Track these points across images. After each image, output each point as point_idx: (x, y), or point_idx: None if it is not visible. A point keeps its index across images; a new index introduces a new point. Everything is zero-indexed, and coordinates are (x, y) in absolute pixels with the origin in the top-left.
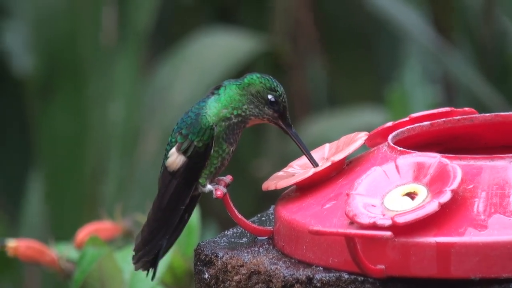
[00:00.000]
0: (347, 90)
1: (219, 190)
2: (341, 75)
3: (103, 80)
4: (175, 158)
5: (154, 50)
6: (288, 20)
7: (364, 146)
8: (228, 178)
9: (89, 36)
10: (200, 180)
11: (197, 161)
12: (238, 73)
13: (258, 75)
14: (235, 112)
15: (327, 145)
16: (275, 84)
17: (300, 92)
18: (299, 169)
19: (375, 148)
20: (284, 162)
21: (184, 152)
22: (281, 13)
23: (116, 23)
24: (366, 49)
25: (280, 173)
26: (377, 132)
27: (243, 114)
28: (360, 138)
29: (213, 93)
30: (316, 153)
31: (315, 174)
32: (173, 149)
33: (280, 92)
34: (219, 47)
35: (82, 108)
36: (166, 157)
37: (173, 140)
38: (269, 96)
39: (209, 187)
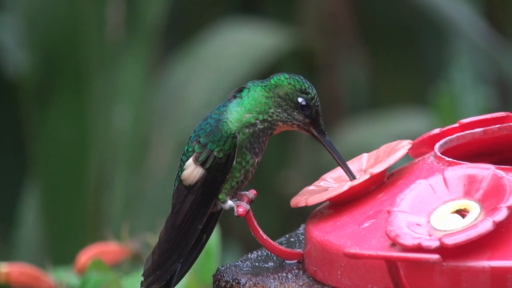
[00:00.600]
0: (388, 92)
1: (241, 207)
2: (382, 75)
3: (108, 82)
4: (192, 171)
5: (167, 48)
6: (321, 12)
7: (407, 156)
8: (251, 193)
9: (92, 31)
10: (220, 196)
11: (217, 174)
12: (263, 73)
13: (287, 75)
14: (260, 117)
15: (365, 155)
16: (306, 85)
17: (335, 95)
18: (333, 183)
19: (420, 158)
20: (316, 174)
21: (202, 164)
22: (314, 4)
23: (124, 17)
24: (410, 46)
25: (312, 187)
26: (423, 140)
27: (269, 119)
28: (403, 147)
29: (235, 96)
30: (352, 164)
31: (351, 188)
32: (190, 160)
33: (312, 94)
34: (241, 43)
35: (84, 113)
36: (181, 169)
37: (190, 149)
38: (300, 99)
39: (230, 203)
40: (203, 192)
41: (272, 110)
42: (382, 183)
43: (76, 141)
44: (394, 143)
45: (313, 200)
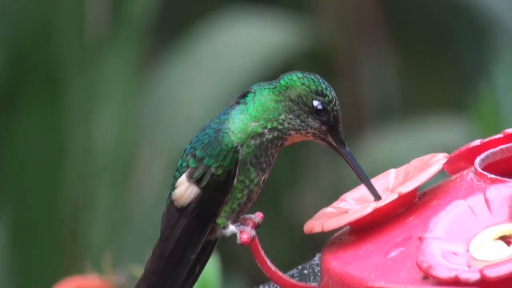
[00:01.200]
0: (420, 98)
1: (245, 233)
2: (413, 77)
3: (87, 86)
4: (185, 189)
5: (157, 45)
6: (342, 2)
7: (442, 173)
8: (257, 217)
9: (68, 25)
10: (219, 221)
11: (214, 194)
12: (271, 75)
13: (300, 74)
14: (268, 126)
15: (392, 171)
16: (323, 85)
17: (358, 101)
18: (354, 204)
19: (457, 175)
20: (333, 193)
21: (197, 182)
22: None
23: (107, 9)
24: (446, 44)
25: (329, 209)
26: (460, 154)
27: (279, 127)
28: (437, 161)
29: (238, 102)
30: (378, 182)
31: (376, 210)
32: (183, 177)
33: (330, 96)
34: (245, 39)
35: (59, 123)
36: (173, 187)
37: (183, 164)
38: (315, 102)
39: (232, 229)
40: (197, 215)
41: (282, 117)
42: (412, 204)
43: (50, 157)
44: (426, 156)
45: (330, 224)
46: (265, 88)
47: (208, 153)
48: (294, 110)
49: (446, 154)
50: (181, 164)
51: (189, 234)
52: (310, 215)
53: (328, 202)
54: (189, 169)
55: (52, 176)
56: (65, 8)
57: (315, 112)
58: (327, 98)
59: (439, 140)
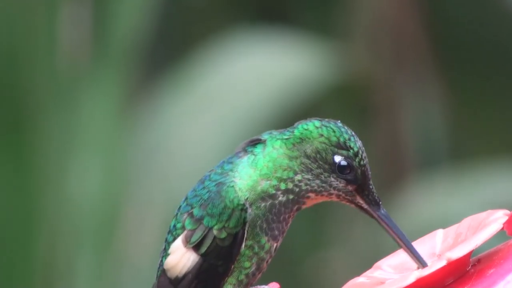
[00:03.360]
0: (474, 140)
1: None
2: (465, 115)
3: (62, 126)
4: (181, 256)
5: (149, 75)
6: (377, 24)
7: (501, 233)
8: None
9: (38, 53)
10: None
11: (217, 263)
12: (291, 116)
13: (318, 123)
14: (282, 186)
15: (440, 232)
16: (346, 135)
17: (397, 145)
18: (392, 273)
19: None
20: (367, 259)
21: (195, 247)
22: (366, 12)
23: (86, 32)
24: (506, 72)
25: (361, 279)
26: None
27: (295, 190)
28: (496, 220)
29: (245, 151)
30: (422, 246)
31: (419, 280)
32: (178, 241)
33: (356, 148)
34: (257, 67)
35: (28, 171)
36: (165, 253)
37: (178, 226)
38: (337, 158)
39: None
40: None
41: (298, 177)
42: (465, 273)
43: (16, 214)
44: (482, 214)
45: None
46: (277, 139)
47: (208, 212)
48: (312, 169)
49: (506, 211)
50: (174, 225)
51: None
52: (337, 286)
53: (360, 270)
54: (185, 232)
55: (19, 238)
56: (34, 31)
57: (337, 170)
58: (351, 151)
59: (496, 195)
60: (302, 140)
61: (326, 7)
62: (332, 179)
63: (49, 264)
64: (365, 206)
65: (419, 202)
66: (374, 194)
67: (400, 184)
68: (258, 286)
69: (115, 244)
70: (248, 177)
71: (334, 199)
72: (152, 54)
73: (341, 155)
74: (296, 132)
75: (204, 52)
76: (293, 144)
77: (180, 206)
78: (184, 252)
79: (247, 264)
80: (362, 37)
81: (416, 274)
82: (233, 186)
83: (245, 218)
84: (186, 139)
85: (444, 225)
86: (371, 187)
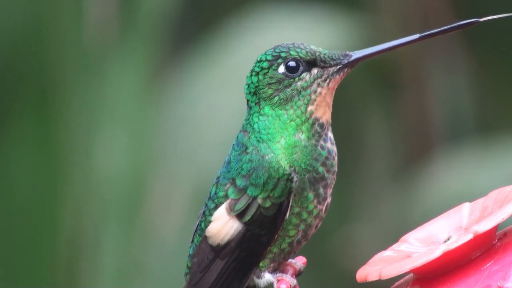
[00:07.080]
0: (499, 113)
1: (284, 282)
2: (491, 89)
3: (89, 101)
4: (224, 224)
5: (176, 49)
6: None
7: None
8: (299, 262)
9: (65, 28)
10: (261, 263)
11: (261, 232)
12: None
13: (249, 73)
14: (304, 128)
15: (466, 206)
16: (269, 52)
17: (425, 120)
18: (419, 246)
19: None
20: (393, 234)
21: (239, 215)
22: None
23: (113, 7)
24: None
25: (387, 252)
26: None
27: (303, 118)
28: None
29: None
30: (449, 219)
31: (446, 254)
32: (221, 209)
33: (286, 49)
34: (285, 41)
35: (54, 145)
36: (205, 220)
37: (219, 194)
38: (281, 69)
39: (268, 278)
40: (238, 257)
41: (300, 102)
42: (491, 246)
43: (43, 188)
44: (509, 187)
45: (390, 271)
46: (253, 108)
47: (252, 182)
48: (288, 98)
49: None
50: (216, 192)
51: (226, 281)
52: (363, 260)
53: (387, 244)
54: (229, 200)
55: (46, 211)
56: (61, 7)
57: (290, 72)
58: (282, 54)
59: None
60: (258, 90)
61: None
62: (298, 83)
63: (75, 237)
64: (336, 69)
65: (446, 175)
66: (330, 55)
67: (428, 158)
68: (287, 261)
69: (142, 218)
70: (278, 147)
71: (324, 90)
72: (180, 27)
73: (279, 64)
74: (247, 97)
75: (232, 25)
76: (264, 101)
77: (218, 176)
78: (227, 220)
79: (292, 232)
80: (389, 9)
81: (443, 247)
82: (273, 155)
83: (290, 188)
84: (213, 112)
85: (471, 198)
86: (324, 58)
